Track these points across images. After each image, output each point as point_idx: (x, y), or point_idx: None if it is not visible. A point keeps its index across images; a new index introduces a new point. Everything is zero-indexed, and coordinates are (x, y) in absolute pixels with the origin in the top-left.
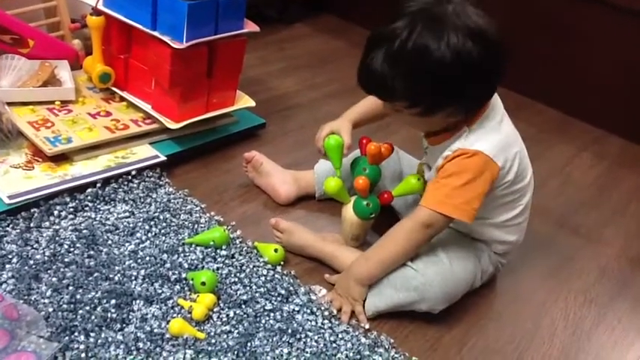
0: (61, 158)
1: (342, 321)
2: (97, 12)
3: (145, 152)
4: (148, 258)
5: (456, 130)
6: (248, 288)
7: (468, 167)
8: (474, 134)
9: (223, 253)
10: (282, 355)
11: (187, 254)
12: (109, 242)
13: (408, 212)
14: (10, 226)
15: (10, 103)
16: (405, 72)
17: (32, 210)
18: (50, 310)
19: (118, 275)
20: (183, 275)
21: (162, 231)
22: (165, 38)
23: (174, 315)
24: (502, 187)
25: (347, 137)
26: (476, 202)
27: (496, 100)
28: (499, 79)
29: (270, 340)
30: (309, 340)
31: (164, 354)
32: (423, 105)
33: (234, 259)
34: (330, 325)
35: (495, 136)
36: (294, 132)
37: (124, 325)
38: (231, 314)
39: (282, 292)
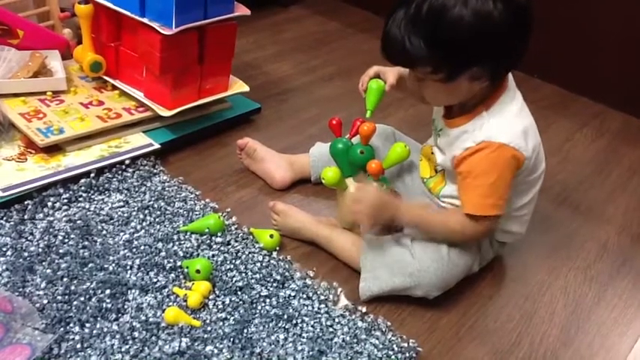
0: (53, 149)
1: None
2: (85, 0)
3: (138, 141)
4: (142, 247)
5: (474, 114)
6: (244, 274)
7: (496, 163)
8: (494, 119)
9: (218, 240)
10: (278, 341)
11: (182, 242)
12: (104, 232)
13: (398, 184)
14: (4, 218)
15: (1, 95)
16: (424, 34)
17: (26, 202)
18: (45, 301)
19: (113, 265)
20: (178, 263)
21: (157, 219)
22: (155, 24)
23: (170, 303)
24: (519, 176)
25: (392, 78)
26: (506, 193)
27: (515, 90)
28: (524, 45)
29: (267, 326)
30: (305, 325)
31: (160, 343)
32: (446, 68)
33: (229, 246)
34: (326, 309)
35: (520, 125)
36: (290, 116)
37: (120, 314)
38: (227, 301)
39: (278, 277)
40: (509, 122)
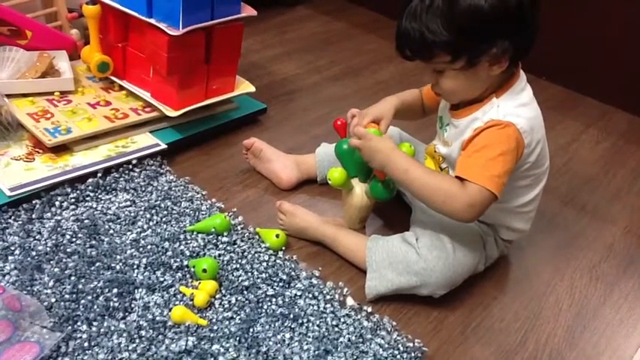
0: (61, 149)
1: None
2: (92, 1)
3: (145, 141)
4: (149, 246)
5: (485, 103)
6: (250, 274)
7: (500, 139)
8: (504, 105)
9: (225, 239)
10: (284, 340)
11: (189, 242)
12: (111, 232)
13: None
14: (12, 217)
15: (9, 95)
16: (442, 19)
17: (34, 201)
18: (53, 300)
19: (120, 264)
20: (185, 263)
21: (164, 219)
22: (162, 25)
23: (177, 302)
24: (522, 168)
25: (384, 128)
26: (505, 176)
27: (526, 83)
28: (537, 24)
29: (273, 325)
30: (311, 324)
31: (166, 341)
32: (466, 53)
33: (235, 246)
34: (332, 309)
35: (528, 114)
36: (296, 116)
37: (127, 313)
38: (233, 300)
39: (284, 277)
40: (517, 108)
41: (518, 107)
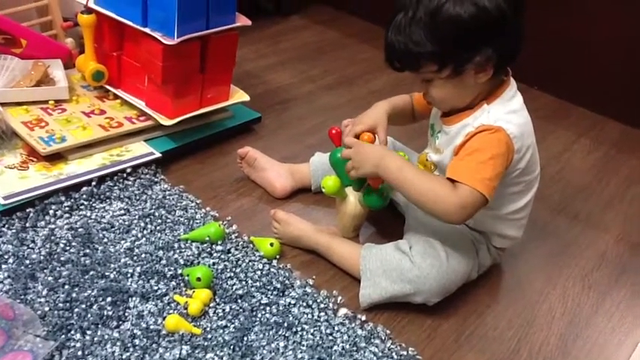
0: (55, 157)
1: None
2: (88, 10)
3: (139, 149)
4: (143, 255)
5: (475, 109)
6: (244, 282)
7: (491, 143)
8: (495, 111)
9: (219, 248)
10: (278, 349)
11: (183, 250)
12: (105, 240)
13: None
14: (6, 226)
15: (3, 104)
16: (425, 29)
17: (28, 210)
18: (46, 309)
19: (114, 273)
20: (179, 271)
21: (158, 228)
22: (157, 34)
23: (171, 311)
24: (513, 174)
25: (383, 135)
26: (496, 180)
27: (517, 91)
28: (520, 31)
29: (267, 334)
30: (305, 333)
31: (160, 350)
32: (451, 62)
33: (229, 254)
34: (326, 317)
35: (518, 120)
36: (290, 125)
37: (120, 322)
38: (227, 309)
39: (278, 285)
40: (507, 114)
41: (508, 113)
